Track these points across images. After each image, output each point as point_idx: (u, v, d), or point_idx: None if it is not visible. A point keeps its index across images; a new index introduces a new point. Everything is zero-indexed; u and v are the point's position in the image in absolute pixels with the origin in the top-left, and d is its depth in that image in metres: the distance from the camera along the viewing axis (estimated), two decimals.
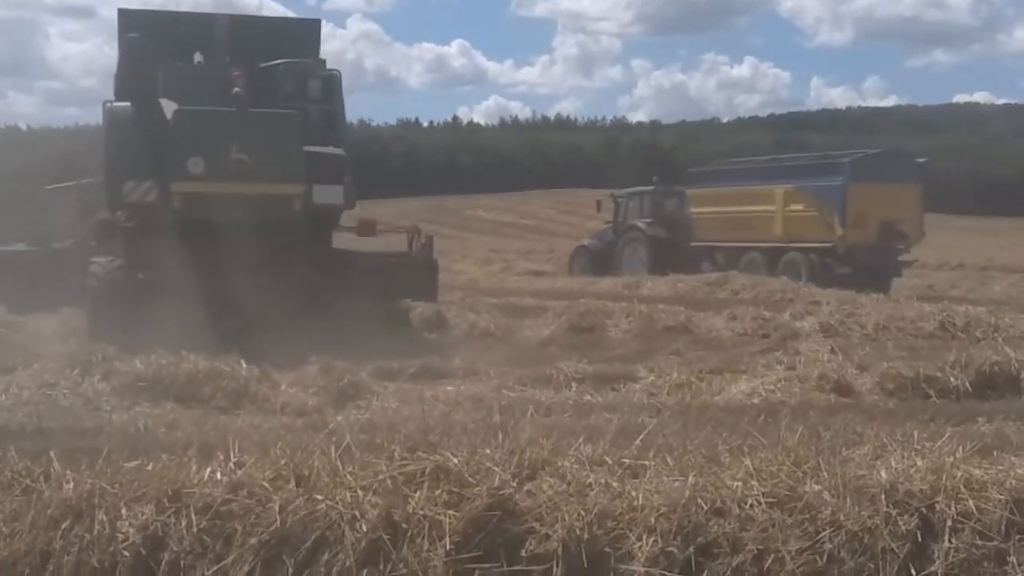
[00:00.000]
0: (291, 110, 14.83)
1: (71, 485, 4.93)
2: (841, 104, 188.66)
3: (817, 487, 4.75)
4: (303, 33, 16.84)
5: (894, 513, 4.59)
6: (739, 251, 29.99)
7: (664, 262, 30.54)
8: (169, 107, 14.63)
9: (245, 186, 14.14)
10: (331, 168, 14.90)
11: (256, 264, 13.59)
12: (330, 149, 15.13)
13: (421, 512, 4.67)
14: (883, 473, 4.79)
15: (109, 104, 15.00)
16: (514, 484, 4.82)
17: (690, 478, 4.84)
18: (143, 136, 14.45)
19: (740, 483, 4.80)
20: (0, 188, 26.06)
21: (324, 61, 15.99)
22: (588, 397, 10.43)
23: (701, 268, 30.14)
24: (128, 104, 14.72)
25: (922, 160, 31.02)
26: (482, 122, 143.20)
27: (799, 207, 28.92)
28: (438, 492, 4.76)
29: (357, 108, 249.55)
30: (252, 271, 13.58)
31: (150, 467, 5.12)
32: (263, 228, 13.84)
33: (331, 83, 15.83)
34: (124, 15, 16.61)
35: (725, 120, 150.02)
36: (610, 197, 35.17)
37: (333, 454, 5.10)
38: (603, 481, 4.88)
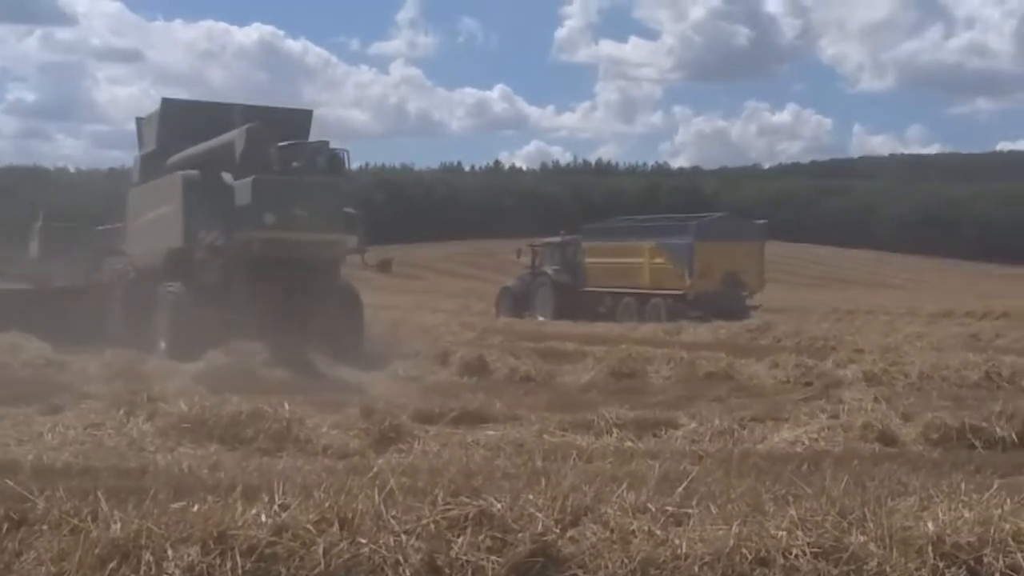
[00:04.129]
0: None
1: (118, 525, 4.94)
2: (883, 151, 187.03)
3: (863, 538, 4.72)
4: (298, 120, 21.43)
5: (941, 565, 4.55)
6: (619, 296, 35.34)
7: (567, 304, 35.82)
8: (227, 177, 19.44)
9: (304, 234, 18.53)
10: (350, 222, 19.79)
11: (304, 290, 18.26)
12: (348, 209, 19.92)
13: (464, 557, 4.67)
14: (930, 524, 4.75)
15: (181, 173, 19.82)
16: (557, 530, 4.82)
17: (734, 527, 4.81)
18: (212, 197, 19.10)
19: (785, 533, 4.77)
20: (55, 228, 26.73)
21: (328, 142, 19.78)
22: (629, 443, 10.36)
23: (598, 311, 35.20)
24: (198, 172, 19.71)
25: (762, 222, 37.63)
26: (523, 167, 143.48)
27: (660, 260, 34.67)
28: (481, 537, 4.77)
29: (399, 152, 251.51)
30: (302, 296, 18.15)
31: (195, 508, 5.14)
32: (313, 265, 18.68)
33: (336, 159, 19.50)
34: (167, 104, 21.85)
35: (767, 166, 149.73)
36: (528, 246, 40.29)
37: (376, 498, 5.11)
38: (646, 529, 4.87)
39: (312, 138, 20.66)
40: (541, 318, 35.64)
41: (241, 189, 18.86)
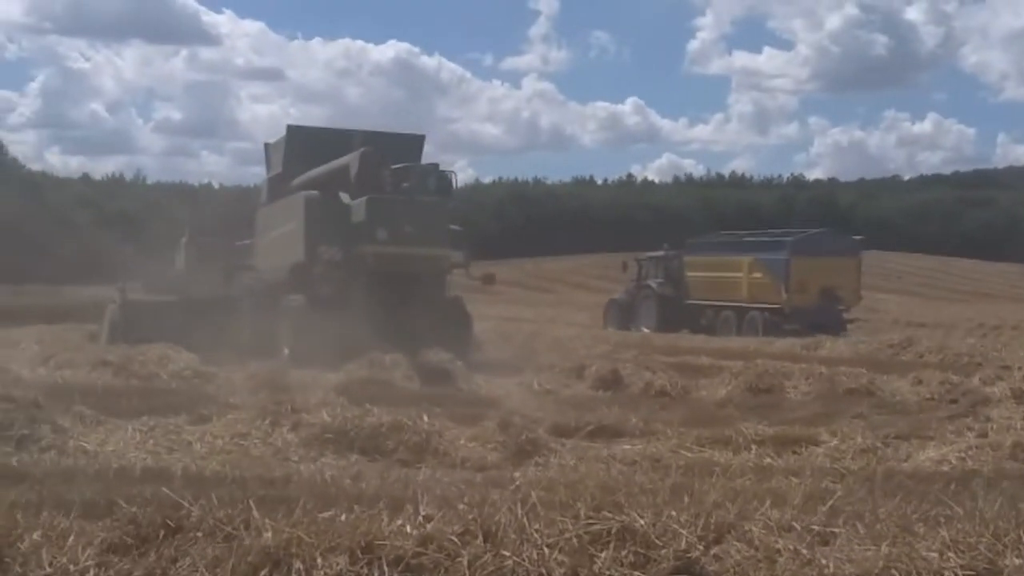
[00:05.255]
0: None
1: (270, 533, 5.07)
2: None
3: (1019, 561, 4.59)
4: (411, 144, 22.86)
5: None
6: (719, 309, 36.24)
7: (670, 316, 36.73)
8: (344, 197, 21.32)
9: (414, 249, 20.24)
10: (456, 239, 21.50)
11: (414, 301, 19.85)
12: (454, 226, 21.64)
13: (607, 572, 4.67)
14: None
15: (303, 193, 21.61)
16: (701, 547, 4.79)
17: (883, 547, 4.72)
18: (330, 215, 20.95)
19: (936, 554, 4.66)
20: (200, 242, 27.67)
21: (437, 165, 21.75)
22: (768, 460, 10.23)
23: (699, 323, 36.06)
24: (318, 192, 21.48)
25: (859, 237, 38.19)
26: (656, 180, 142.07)
27: (758, 275, 35.55)
28: (624, 553, 4.76)
29: (532, 166, 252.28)
30: (412, 307, 19.71)
31: (343, 518, 5.24)
32: (422, 277, 20.47)
33: (444, 181, 21.31)
34: (291, 130, 23.63)
35: (907, 178, 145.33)
36: (634, 260, 41.29)
37: (519, 511, 5.14)
38: (792, 547, 4.81)
39: (425, 160, 22.24)
40: (645, 329, 36.59)
41: (357, 208, 20.58)
